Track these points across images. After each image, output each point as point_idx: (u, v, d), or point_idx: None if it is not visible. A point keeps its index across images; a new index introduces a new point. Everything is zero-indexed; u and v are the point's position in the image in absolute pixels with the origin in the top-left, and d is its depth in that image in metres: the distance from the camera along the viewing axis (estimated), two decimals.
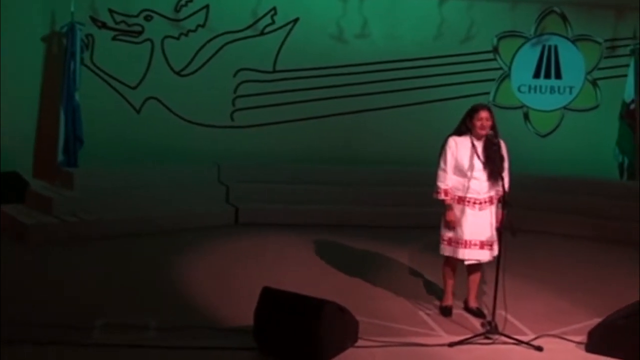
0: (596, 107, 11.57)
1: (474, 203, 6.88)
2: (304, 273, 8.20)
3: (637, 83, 11.25)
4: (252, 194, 10.48)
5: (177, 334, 6.36)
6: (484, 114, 6.84)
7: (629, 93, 11.26)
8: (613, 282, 8.39)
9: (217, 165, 10.72)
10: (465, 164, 6.87)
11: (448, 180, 6.94)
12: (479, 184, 6.87)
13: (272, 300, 6.13)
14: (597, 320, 6.89)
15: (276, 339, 6.04)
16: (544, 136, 11.60)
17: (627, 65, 11.31)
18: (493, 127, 6.83)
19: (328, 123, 11.15)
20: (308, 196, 10.52)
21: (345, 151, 11.12)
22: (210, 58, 10.81)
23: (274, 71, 11.06)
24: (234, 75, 10.94)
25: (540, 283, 8.16)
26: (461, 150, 6.88)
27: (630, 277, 8.56)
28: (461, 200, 6.91)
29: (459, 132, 6.93)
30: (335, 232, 9.75)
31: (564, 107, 11.56)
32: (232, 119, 11.02)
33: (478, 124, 6.83)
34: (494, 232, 6.86)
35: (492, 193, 6.88)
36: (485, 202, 6.88)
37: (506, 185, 6.73)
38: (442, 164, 6.96)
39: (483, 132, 6.83)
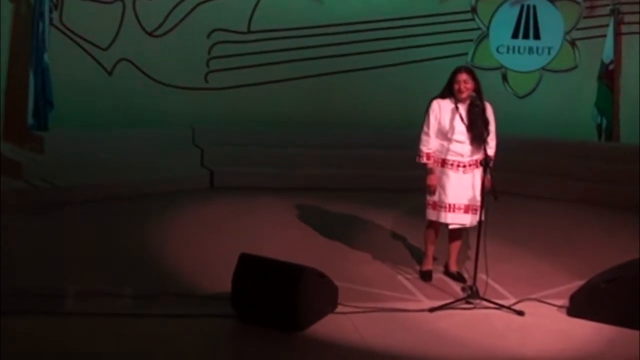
0: (575, 67, 11.45)
1: (457, 166, 6.78)
2: (282, 238, 8.08)
3: (616, 43, 11.14)
4: (228, 157, 10.30)
5: (153, 302, 6.22)
6: (462, 76, 6.73)
7: (607, 54, 11.14)
8: (593, 244, 8.37)
9: (191, 128, 10.53)
10: (448, 126, 6.76)
11: (431, 144, 6.83)
12: (462, 147, 6.77)
13: (250, 267, 6.02)
14: (578, 284, 6.88)
15: (255, 306, 5.95)
16: (522, 97, 11.48)
17: (606, 26, 11.18)
18: (477, 90, 6.71)
19: (305, 85, 10.97)
20: (285, 159, 10.36)
21: (323, 113, 10.94)
22: (184, 18, 10.57)
23: (249, 32, 10.84)
24: (208, 36, 10.72)
25: (521, 246, 8.10)
26: (444, 113, 6.77)
27: (610, 239, 8.56)
28: (444, 163, 6.81)
29: (443, 95, 6.82)
30: (314, 195, 9.60)
31: (543, 68, 11.43)
32: (207, 81, 10.81)
33: (457, 86, 6.73)
34: (479, 197, 6.76)
35: (477, 156, 6.78)
36: (470, 165, 6.79)
37: (492, 149, 6.66)
38: (425, 128, 6.85)
39: (463, 95, 6.71)
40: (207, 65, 10.79)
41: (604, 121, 11.26)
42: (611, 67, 11.17)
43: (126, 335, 5.72)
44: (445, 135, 6.79)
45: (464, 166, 6.79)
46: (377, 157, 10.61)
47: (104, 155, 9.66)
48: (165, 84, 10.62)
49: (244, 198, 9.49)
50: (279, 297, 5.86)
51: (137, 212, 8.78)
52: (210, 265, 7.13)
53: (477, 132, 6.72)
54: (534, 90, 11.48)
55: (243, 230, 8.26)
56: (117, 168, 9.55)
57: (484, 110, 6.74)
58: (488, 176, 6.63)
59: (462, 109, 6.76)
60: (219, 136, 10.53)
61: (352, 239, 8.09)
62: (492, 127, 6.82)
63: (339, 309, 6.26)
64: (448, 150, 6.79)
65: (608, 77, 11.18)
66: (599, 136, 11.29)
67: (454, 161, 6.79)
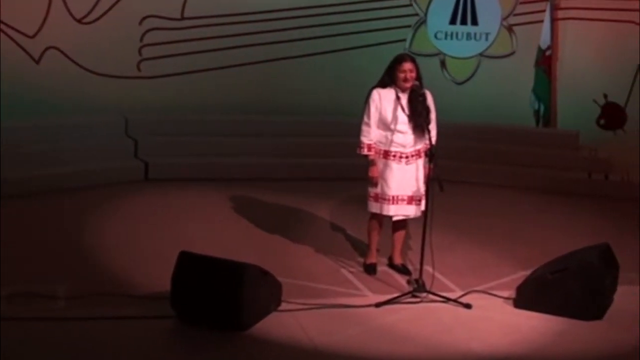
0: (512, 53, 11.40)
1: (400, 157, 6.63)
2: (221, 232, 7.85)
3: (552, 29, 11.14)
4: (163, 147, 9.97)
5: (88, 303, 5.96)
6: (407, 65, 6.57)
7: (544, 39, 11.15)
8: (534, 231, 8.32)
9: (124, 118, 10.19)
10: (390, 117, 6.60)
11: (372, 135, 6.67)
12: (404, 138, 6.62)
13: (190, 266, 5.81)
14: (522, 274, 6.86)
15: (196, 306, 5.76)
16: (461, 83, 11.41)
17: (543, 11, 11.17)
18: (418, 78, 6.57)
19: (241, 72, 10.68)
20: (222, 149, 10.09)
21: (259, 101, 10.70)
22: (114, 4, 10.20)
23: (183, 18, 10.54)
24: (140, 23, 10.38)
25: (463, 235, 8.01)
26: (385, 103, 6.61)
27: (550, 226, 8.54)
28: (386, 154, 6.66)
29: (383, 84, 6.64)
30: (252, 186, 9.37)
31: (481, 54, 11.38)
32: (139, 69, 10.47)
33: (401, 75, 6.56)
34: (422, 187, 6.64)
35: (419, 146, 6.65)
36: (412, 155, 6.65)
37: (433, 138, 6.51)
38: (365, 118, 6.68)
39: (407, 85, 6.57)
40: (140, 53, 10.45)
41: (542, 107, 11.27)
42: (548, 52, 11.17)
43: (59, 340, 5.45)
44: (386, 125, 6.64)
45: (407, 157, 6.65)
46: (312, 145, 10.43)
47: (31, 147, 9.25)
48: (96, 72, 10.23)
49: (180, 190, 9.20)
50: (221, 296, 5.67)
51: (67, 207, 8.42)
52: (147, 263, 6.88)
53: (419, 121, 6.59)
54: (472, 76, 11.41)
55: (180, 224, 7.99)
56: (45, 160, 9.15)
57: (425, 98, 6.61)
58: (430, 165, 6.52)
59: (403, 98, 6.61)
60: (153, 126, 10.19)
61: (292, 231, 7.91)
62: (433, 116, 6.69)
63: (283, 306, 6.09)
64: (390, 141, 6.64)
65: (545, 62, 11.18)
66: (537, 122, 11.30)
67: (396, 152, 6.64)
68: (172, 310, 5.80)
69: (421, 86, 6.58)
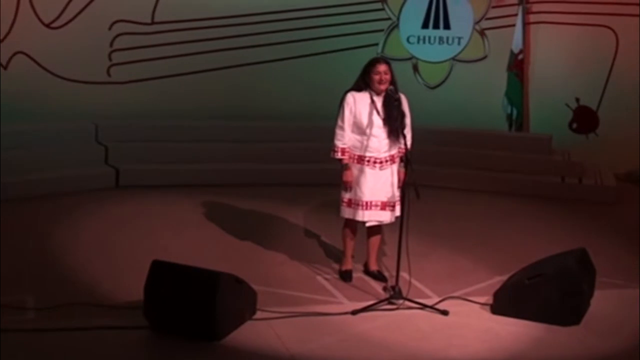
0: (484, 57, 11.40)
1: (374, 162, 6.56)
2: (193, 239, 7.74)
3: (525, 33, 11.15)
4: (134, 154, 9.83)
5: (59, 314, 5.83)
6: (381, 67, 6.50)
7: (517, 43, 11.15)
8: (510, 237, 8.30)
9: (94, 124, 10.04)
10: (364, 121, 6.53)
11: (346, 139, 6.58)
12: (379, 142, 6.55)
13: (163, 275, 5.69)
14: (498, 279, 6.82)
15: (169, 316, 5.64)
16: (433, 88, 11.39)
17: (515, 15, 11.17)
18: (393, 82, 6.50)
19: (212, 77, 10.58)
20: (194, 155, 9.97)
21: (231, 106, 10.60)
22: (84, 9, 10.06)
23: (153, 23, 10.41)
24: (110, 28, 10.25)
25: (440, 241, 7.96)
26: (360, 107, 6.53)
27: (525, 231, 8.53)
28: (360, 159, 6.58)
29: (358, 88, 6.57)
30: (224, 192, 9.26)
31: (453, 58, 11.36)
32: (109, 75, 10.34)
33: (376, 77, 6.49)
34: (396, 192, 6.57)
35: (394, 151, 6.58)
36: (387, 161, 6.57)
37: (408, 143, 6.44)
38: (339, 122, 6.60)
39: (382, 87, 6.49)
40: (110, 58, 10.32)
41: (514, 111, 11.27)
42: (520, 56, 11.18)
43: (28, 353, 5.31)
44: (361, 129, 6.56)
45: (381, 162, 6.58)
46: (286, 151, 10.34)
47: (1, 153, 9.06)
48: (65, 78, 10.09)
49: (152, 197, 9.06)
50: (195, 306, 5.56)
51: (37, 214, 8.26)
52: (119, 272, 6.75)
53: (393, 126, 6.52)
54: (445, 80, 11.39)
55: (152, 232, 7.87)
56: (13, 167, 8.97)
57: (400, 103, 6.54)
58: (403, 170, 6.46)
59: (378, 101, 6.55)
60: (123, 132, 10.06)
61: (266, 238, 7.81)
62: (407, 120, 6.62)
63: (258, 314, 5.99)
64: (364, 146, 6.56)
65: (518, 66, 11.19)
66: (510, 126, 11.29)
67: (370, 157, 6.57)
68: (145, 320, 5.69)
69: (396, 90, 6.51)
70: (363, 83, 6.57)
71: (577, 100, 11.29)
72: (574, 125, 11.40)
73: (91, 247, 7.42)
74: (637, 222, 8.99)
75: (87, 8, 10.11)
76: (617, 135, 11.02)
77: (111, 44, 10.30)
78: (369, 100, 6.53)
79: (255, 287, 6.10)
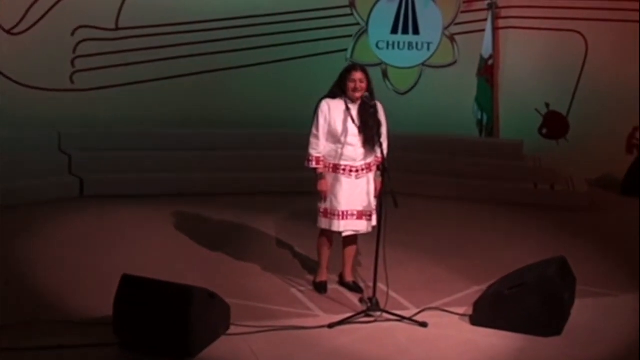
0: (454, 63, 11.33)
1: (350, 171, 6.39)
2: (162, 251, 7.52)
3: (494, 38, 11.09)
4: (98, 163, 9.61)
5: (22, 333, 5.56)
6: (357, 75, 6.34)
7: (486, 48, 11.09)
8: (484, 245, 8.19)
9: (57, 133, 9.79)
10: (340, 128, 6.36)
11: (321, 147, 6.41)
12: (354, 151, 6.38)
13: (133, 290, 5.47)
14: (476, 289, 6.72)
15: (140, 332, 5.43)
16: (403, 94, 11.29)
17: (484, 20, 11.11)
18: (370, 89, 6.35)
19: (179, 84, 10.39)
20: (161, 164, 9.75)
21: (198, 114, 10.42)
22: (45, 15, 9.83)
23: (117, 29, 10.19)
24: (72, 34, 10.01)
25: (414, 250, 7.81)
26: (335, 115, 6.36)
27: (499, 239, 8.43)
28: (336, 168, 6.41)
29: (333, 95, 6.39)
30: (193, 202, 9.06)
31: (423, 64, 11.26)
32: (72, 82, 10.10)
33: (351, 85, 6.33)
34: (373, 201, 6.41)
35: (370, 160, 6.41)
36: (363, 169, 6.41)
37: (385, 151, 6.29)
38: (314, 130, 6.42)
39: (357, 95, 6.33)
40: (73, 64, 10.08)
41: (485, 117, 11.21)
42: (490, 62, 11.12)
43: None
44: (336, 137, 6.39)
45: (357, 171, 6.41)
46: (256, 159, 10.17)
47: None
48: (27, 85, 9.86)
49: (118, 207, 8.82)
50: (167, 321, 5.36)
51: None
52: (85, 286, 6.50)
53: (369, 134, 6.35)
54: (414, 86, 11.31)
55: (120, 244, 7.63)
56: None
57: (376, 110, 6.39)
58: (379, 178, 6.31)
59: (354, 109, 6.38)
60: (87, 141, 9.84)
61: (237, 248, 7.62)
62: (384, 129, 6.46)
63: (232, 329, 5.80)
64: (339, 154, 6.39)
65: (487, 72, 11.15)
66: (480, 132, 11.23)
67: (346, 166, 6.40)
68: (115, 337, 5.47)
69: (372, 97, 6.35)
70: (339, 90, 6.40)
71: (547, 105, 11.26)
72: (544, 131, 11.37)
73: (55, 260, 7.16)
74: (611, 228, 8.96)
75: (49, 13, 9.89)
76: (587, 141, 11.00)
77: (74, 50, 10.08)
78: (344, 108, 6.36)
79: (228, 300, 5.90)
